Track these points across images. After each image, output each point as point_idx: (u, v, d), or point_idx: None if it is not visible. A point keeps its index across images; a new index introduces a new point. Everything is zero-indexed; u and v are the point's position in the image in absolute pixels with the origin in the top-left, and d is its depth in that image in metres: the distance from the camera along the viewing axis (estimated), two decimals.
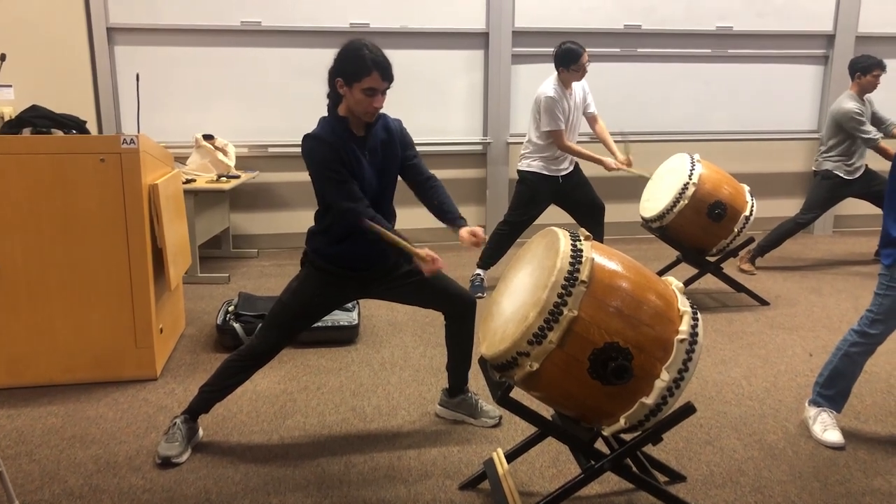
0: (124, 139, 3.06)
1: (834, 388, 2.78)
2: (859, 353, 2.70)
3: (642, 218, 4.42)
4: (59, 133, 3.29)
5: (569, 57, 4.19)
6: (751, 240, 4.47)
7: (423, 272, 2.47)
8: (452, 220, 2.60)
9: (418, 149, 2.70)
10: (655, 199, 4.33)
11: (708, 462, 2.62)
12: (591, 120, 4.55)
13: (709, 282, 4.63)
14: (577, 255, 1.94)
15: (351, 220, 2.44)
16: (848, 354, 2.71)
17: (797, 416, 2.96)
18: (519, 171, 4.50)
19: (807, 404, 2.87)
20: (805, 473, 2.55)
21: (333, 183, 2.43)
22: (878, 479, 2.51)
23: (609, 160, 4.38)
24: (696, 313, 2.01)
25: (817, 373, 2.86)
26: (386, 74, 2.39)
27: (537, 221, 4.47)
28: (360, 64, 2.36)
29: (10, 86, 5.22)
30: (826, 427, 2.76)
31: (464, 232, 2.54)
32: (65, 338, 3.17)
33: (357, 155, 2.47)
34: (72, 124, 3.38)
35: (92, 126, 5.31)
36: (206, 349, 3.68)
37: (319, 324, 3.63)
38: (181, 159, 5.21)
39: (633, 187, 5.63)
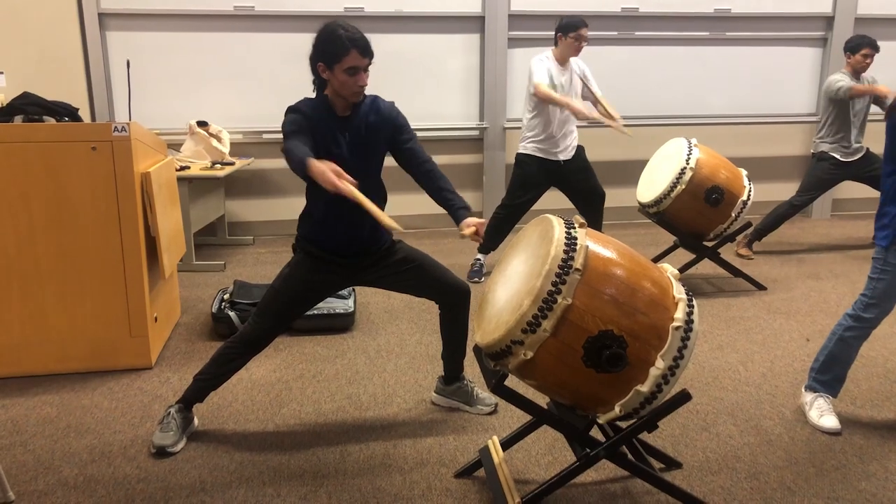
0: (115, 127, 3.03)
1: (830, 374, 2.77)
2: (854, 337, 2.69)
3: (639, 203, 4.40)
4: (51, 121, 3.26)
5: (569, 24, 4.17)
6: (748, 224, 4.46)
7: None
8: (453, 210, 2.54)
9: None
10: (652, 184, 4.31)
11: (704, 448, 2.62)
12: (595, 102, 4.51)
13: (706, 267, 4.62)
14: (571, 242, 1.92)
15: (290, 163, 2.27)
16: (843, 339, 2.71)
17: (794, 402, 2.95)
18: (516, 155, 4.47)
19: (803, 390, 2.87)
20: (801, 459, 2.55)
21: (288, 134, 2.36)
22: (874, 464, 2.51)
23: (580, 108, 4.14)
24: (692, 301, 2.00)
25: (814, 358, 2.86)
26: (365, 51, 2.37)
27: (536, 207, 4.46)
28: (337, 45, 2.35)
29: (1, 73, 5.17)
30: (822, 412, 2.75)
31: (465, 227, 2.45)
32: (59, 327, 3.16)
33: (334, 133, 2.45)
34: (64, 112, 3.35)
35: (85, 114, 5.28)
36: (201, 337, 3.67)
37: (315, 311, 3.63)
38: (175, 146, 5.18)
39: (631, 172, 5.60)
